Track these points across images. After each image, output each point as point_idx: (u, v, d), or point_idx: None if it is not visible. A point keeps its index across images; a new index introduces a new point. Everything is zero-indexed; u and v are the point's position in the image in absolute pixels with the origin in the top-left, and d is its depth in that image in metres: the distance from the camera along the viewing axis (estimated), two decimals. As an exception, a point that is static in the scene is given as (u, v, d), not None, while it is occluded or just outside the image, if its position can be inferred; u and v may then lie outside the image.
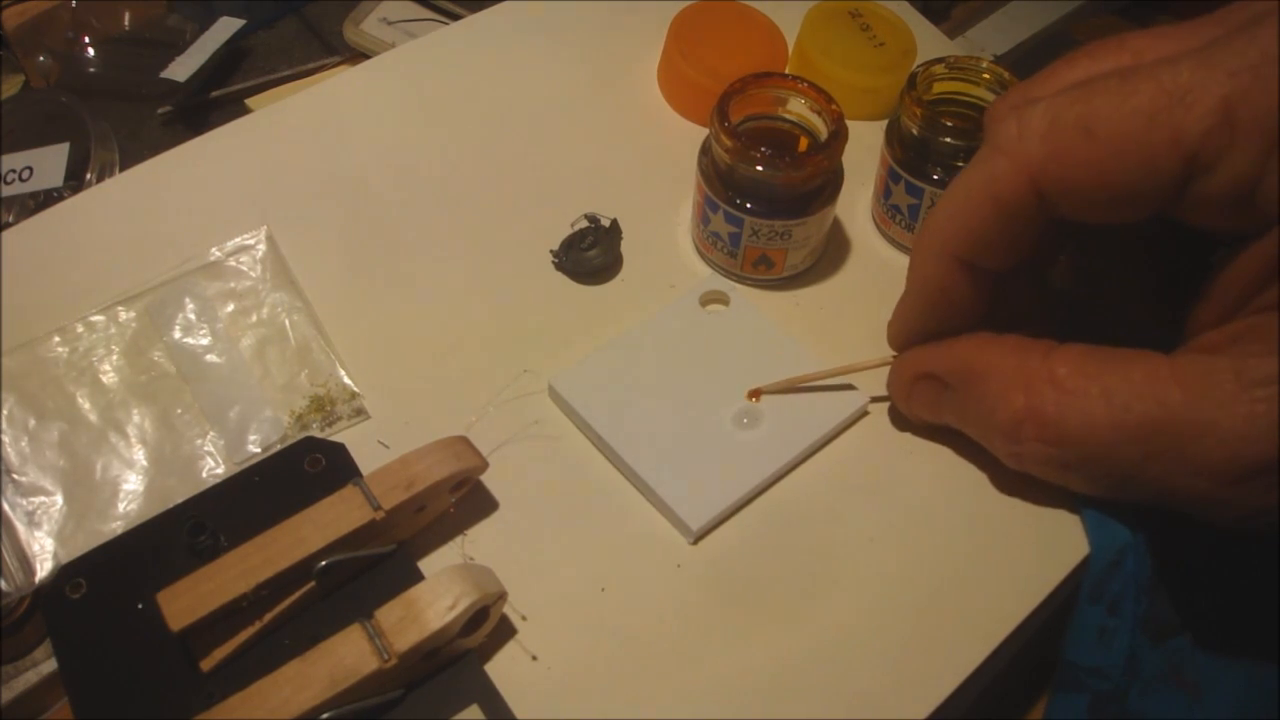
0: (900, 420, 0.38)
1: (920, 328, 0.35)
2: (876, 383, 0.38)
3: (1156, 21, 0.31)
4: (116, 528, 0.34)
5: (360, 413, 0.37)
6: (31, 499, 0.35)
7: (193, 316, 0.39)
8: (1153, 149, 0.26)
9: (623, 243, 0.43)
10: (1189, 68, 0.26)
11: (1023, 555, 0.35)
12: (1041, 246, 0.32)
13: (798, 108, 0.41)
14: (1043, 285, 0.36)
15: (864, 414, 0.38)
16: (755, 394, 0.37)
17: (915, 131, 0.41)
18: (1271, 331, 0.26)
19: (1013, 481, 0.35)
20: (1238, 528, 0.28)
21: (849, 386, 0.38)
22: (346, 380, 0.38)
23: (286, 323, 0.40)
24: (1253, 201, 0.26)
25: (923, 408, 0.35)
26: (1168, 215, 0.28)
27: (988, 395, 0.31)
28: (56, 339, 0.38)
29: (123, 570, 0.32)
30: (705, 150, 0.41)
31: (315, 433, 0.37)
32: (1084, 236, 0.35)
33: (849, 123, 0.39)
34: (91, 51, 0.58)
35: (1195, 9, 0.29)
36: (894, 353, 0.37)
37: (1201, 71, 0.26)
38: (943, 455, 0.37)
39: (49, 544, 0.34)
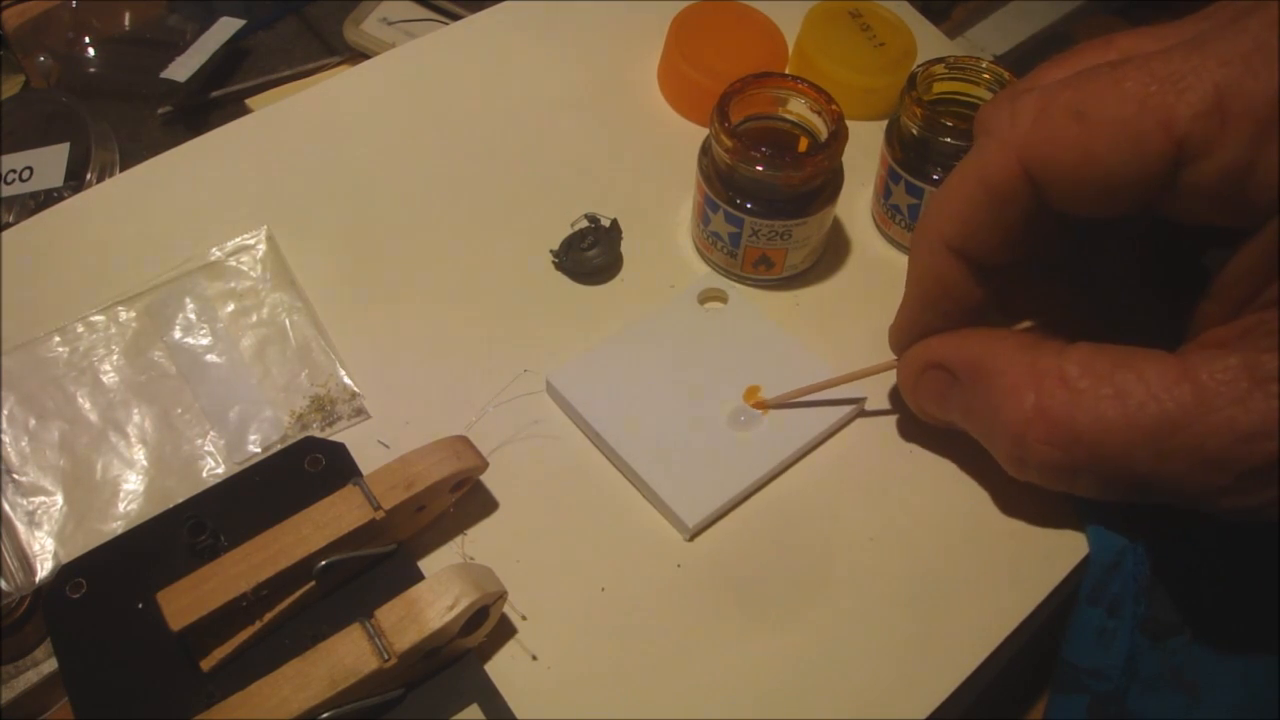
0: (901, 421, 0.38)
1: (921, 325, 0.35)
2: (876, 382, 0.38)
3: (1156, 22, 0.31)
4: (116, 528, 0.34)
5: (360, 413, 0.37)
6: (31, 499, 0.35)
7: (193, 316, 0.39)
8: (1143, 133, 0.26)
9: (623, 243, 0.43)
10: (1181, 56, 0.26)
11: (1023, 555, 0.35)
12: (1040, 245, 0.32)
13: (798, 108, 0.41)
14: (1050, 287, 0.36)
15: (862, 413, 0.38)
16: (761, 406, 0.37)
17: (915, 131, 0.41)
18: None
19: (1013, 482, 0.35)
20: (1248, 520, 0.28)
21: (849, 387, 0.38)
22: (346, 380, 0.38)
23: (286, 323, 0.40)
24: (1244, 193, 0.26)
25: (929, 400, 0.35)
26: (1160, 211, 0.28)
27: (995, 392, 0.31)
28: (56, 339, 0.38)
29: (123, 570, 0.32)
30: (705, 150, 0.41)
31: (315, 432, 0.37)
32: (1077, 238, 0.35)
33: (849, 123, 0.39)
34: (91, 51, 0.58)
35: (1194, 10, 0.29)
36: (897, 357, 0.37)
37: (1194, 59, 0.26)
38: (943, 455, 0.37)
39: (49, 544, 0.34)
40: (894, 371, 0.37)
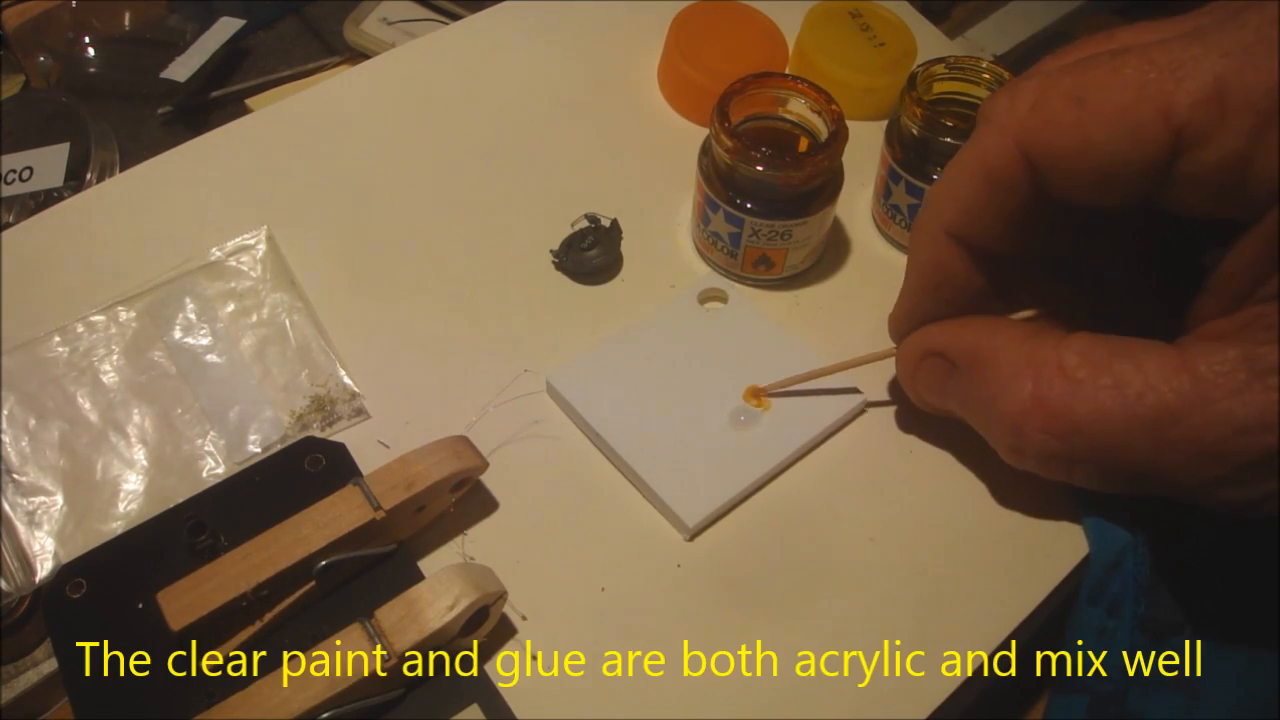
0: (901, 420, 0.38)
1: (920, 312, 0.35)
2: (876, 381, 0.39)
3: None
4: (116, 528, 0.34)
5: (360, 413, 0.37)
6: (31, 499, 0.35)
7: (193, 316, 0.39)
8: (1141, 119, 0.26)
9: (623, 243, 0.43)
10: (1180, 45, 0.26)
11: (1023, 555, 0.35)
12: (1040, 236, 0.32)
13: (798, 108, 0.41)
14: (1049, 282, 0.36)
15: (862, 411, 0.38)
16: (758, 396, 0.37)
17: (915, 131, 0.41)
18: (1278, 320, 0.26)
19: (1013, 481, 0.35)
20: (1245, 513, 0.28)
21: (848, 384, 0.38)
22: (346, 380, 0.38)
23: (286, 323, 0.40)
24: (1243, 184, 0.26)
25: (928, 388, 0.35)
26: (1159, 202, 0.28)
27: (994, 381, 0.31)
28: (56, 339, 0.38)
29: (123, 570, 0.32)
30: (705, 150, 0.41)
31: (315, 432, 0.37)
32: (1078, 231, 0.35)
33: (849, 123, 0.39)
34: (91, 51, 0.58)
35: (1194, 9, 0.29)
36: (895, 345, 0.37)
37: (1194, 49, 0.26)
38: (943, 454, 0.37)
39: (49, 544, 0.34)
40: (893, 361, 0.36)
